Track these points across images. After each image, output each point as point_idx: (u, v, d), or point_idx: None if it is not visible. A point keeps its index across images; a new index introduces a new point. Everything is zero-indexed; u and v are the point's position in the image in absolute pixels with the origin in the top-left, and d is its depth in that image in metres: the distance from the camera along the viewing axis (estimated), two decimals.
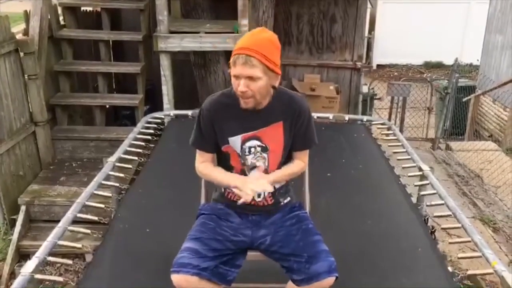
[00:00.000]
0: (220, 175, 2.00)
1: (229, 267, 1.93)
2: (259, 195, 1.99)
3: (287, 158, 2.03)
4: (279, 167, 2.00)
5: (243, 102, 1.86)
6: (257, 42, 1.79)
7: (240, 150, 1.95)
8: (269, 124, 1.93)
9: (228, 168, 2.01)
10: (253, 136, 1.93)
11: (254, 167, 1.96)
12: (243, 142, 1.94)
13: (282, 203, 2.07)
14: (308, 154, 2.08)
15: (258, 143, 1.94)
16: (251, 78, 1.78)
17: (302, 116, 1.95)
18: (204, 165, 2.03)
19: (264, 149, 1.95)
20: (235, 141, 1.95)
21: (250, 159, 1.95)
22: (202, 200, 2.23)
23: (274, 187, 2.00)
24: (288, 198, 2.09)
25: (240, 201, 1.87)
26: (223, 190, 2.07)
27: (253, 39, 1.81)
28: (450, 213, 2.84)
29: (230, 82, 1.89)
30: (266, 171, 1.97)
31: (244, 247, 1.99)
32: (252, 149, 1.94)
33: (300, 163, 2.04)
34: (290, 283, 1.96)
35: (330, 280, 1.84)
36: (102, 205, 3.00)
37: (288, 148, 1.99)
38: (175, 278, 1.82)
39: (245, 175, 1.98)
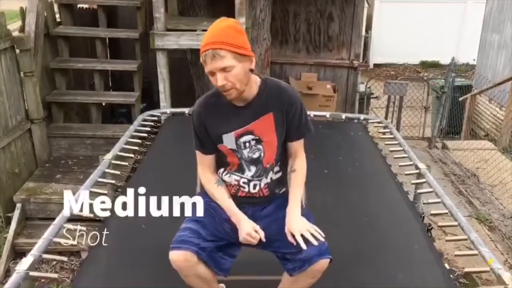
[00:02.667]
0: (220, 201, 2.00)
1: (225, 255, 1.95)
2: (254, 187, 2.01)
3: (283, 150, 2.02)
4: (276, 159, 2.00)
5: (226, 95, 1.84)
6: (218, 33, 1.78)
7: (236, 145, 1.95)
8: (259, 116, 1.92)
9: (226, 164, 2.02)
10: (245, 131, 1.93)
11: (252, 159, 1.96)
12: (237, 138, 1.94)
13: (277, 194, 2.06)
14: (302, 144, 2.06)
15: (252, 136, 1.93)
16: (224, 69, 1.76)
17: (293, 106, 1.93)
18: (207, 177, 2.04)
19: (259, 141, 1.94)
20: (229, 139, 1.95)
21: (246, 153, 1.96)
22: (198, 189, 2.21)
23: (271, 178, 2.01)
24: (284, 189, 2.08)
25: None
26: None
27: (213, 33, 1.79)
28: (446, 211, 2.84)
29: None
30: (262, 163, 1.98)
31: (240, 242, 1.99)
32: (247, 144, 1.94)
33: (299, 167, 2.00)
34: (285, 275, 1.97)
35: (323, 262, 1.82)
36: None
37: (282, 139, 1.98)
38: (174, 255, 1.80)
39: (243, 169, 1.99)
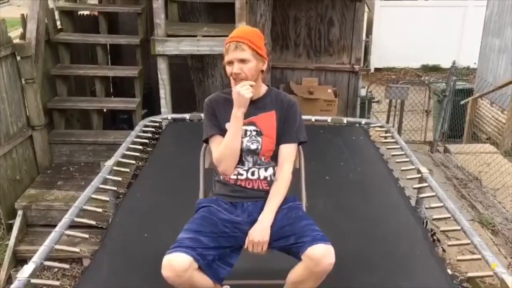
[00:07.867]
0: (226, 137, 2.10)
1: (223, 264, 1.99)
2: (253, 174, 2.12)
3: (275, 157, 2.15)
4: (272, 156, 2.14)
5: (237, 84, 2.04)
6: (244, 32, 2.12)
7: None
8: (263, 112, 2.14)
9: None
10: (249, 122, 2.12)
11: (249, 149, 2.10)
12: None
13: None
14: (294, 152, 2.18)
15: (254, 128, 2.13)
16: (242, 61, 2.03)
17: (292, 108, 2.15)
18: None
19: (259, 133, 2.13)
20: None
21: (245, 142, 2.11)
22: (201, 196, 2.29)
23: (270, 176, 2.14)
24: None
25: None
26: (221, 177, 2.16)
27: (240, 30, 2.17)
28: (449, 215, 2.83)
29: (228, 85, 2.08)
30: (258, 154, 2.12)
31: (242, 243, 2.04)
32: (248, 132, 2.12)
33: (281, 178, 2.11)
34: (288, 277, 1.98)
35: (322, 246, 1.86)
36: (99, 209, 2.98)
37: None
38: (170, 257, 1.83)
39: (242, 161, 2.13)
